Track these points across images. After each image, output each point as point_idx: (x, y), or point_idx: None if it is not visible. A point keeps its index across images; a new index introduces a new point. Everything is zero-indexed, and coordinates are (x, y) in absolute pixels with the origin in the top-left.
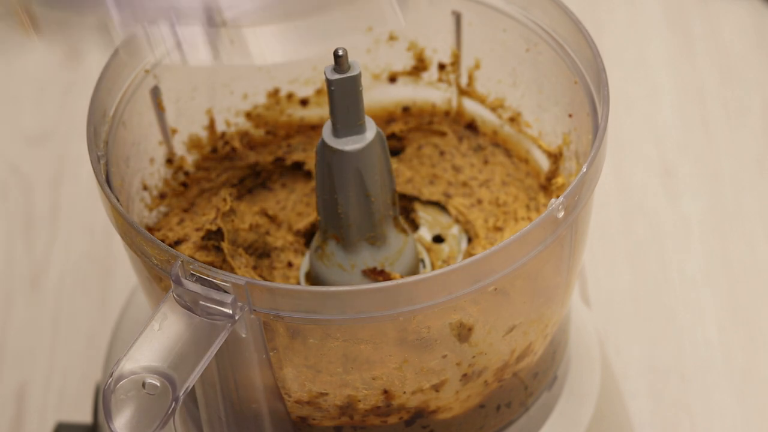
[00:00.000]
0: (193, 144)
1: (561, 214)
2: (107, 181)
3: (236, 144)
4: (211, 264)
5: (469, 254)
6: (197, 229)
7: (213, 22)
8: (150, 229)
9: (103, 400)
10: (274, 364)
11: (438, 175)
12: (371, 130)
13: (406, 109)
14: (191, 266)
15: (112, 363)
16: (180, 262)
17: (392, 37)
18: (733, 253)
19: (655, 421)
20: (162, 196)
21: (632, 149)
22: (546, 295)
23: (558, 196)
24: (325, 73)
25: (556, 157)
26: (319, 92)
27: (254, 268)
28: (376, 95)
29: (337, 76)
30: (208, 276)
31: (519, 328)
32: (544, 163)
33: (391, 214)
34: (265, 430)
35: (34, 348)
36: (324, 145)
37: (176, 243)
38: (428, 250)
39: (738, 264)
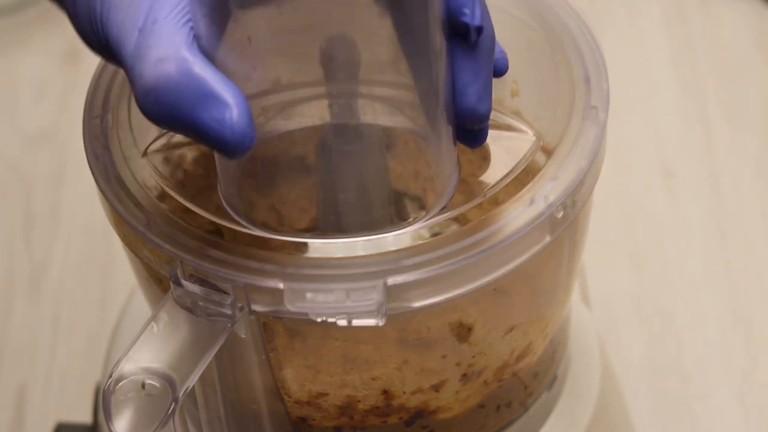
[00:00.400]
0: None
1: (560, 214)
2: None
3: None
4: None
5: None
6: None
7: None
8: None
9: (102, 401)
10: (274, 365)
11: None
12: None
13: None
14: (191, 267)
15: (112, 363)
16: (179, 263)
17: None
18: (733, 253)
19: (655, 421)
20: (162, 196)
21: (632, 149)
22: (546, 295)
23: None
24: None
25: None
26: None
27: None
28: None
29: None
30: (207, 277)
31: (519, 328)
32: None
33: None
34: (264, 430)
35: (34, 348)
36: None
37: None
38: None
39: (738, 264)
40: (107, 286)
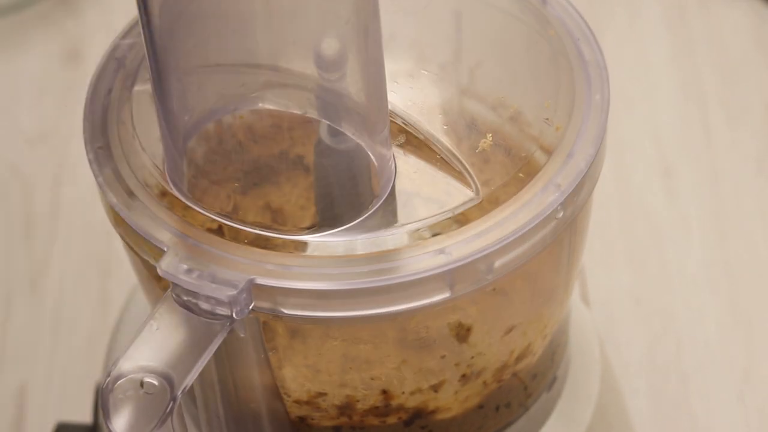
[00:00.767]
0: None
1: (560, 215)
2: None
3: (240, 137)
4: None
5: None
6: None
7: None
8: None
9: (101, 400)
10: (273, 364)
11: None
12: None
13: None
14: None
15: (112, 363)
16: (179, 261)
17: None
18: (733, 253)
19: (655, 421)
20: (163, 193)
21: (632, 149)
22: (545, 296)
23: None
24: None
25: None
26: None
27: None
28: None
29: None
30: (207, 275)
31: (518, 329)
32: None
33: None
34: (263, 429)
35: (34, 348)
36: (320, 142)
37: None
38: None
39: (738, 264)
40: (107, 286)
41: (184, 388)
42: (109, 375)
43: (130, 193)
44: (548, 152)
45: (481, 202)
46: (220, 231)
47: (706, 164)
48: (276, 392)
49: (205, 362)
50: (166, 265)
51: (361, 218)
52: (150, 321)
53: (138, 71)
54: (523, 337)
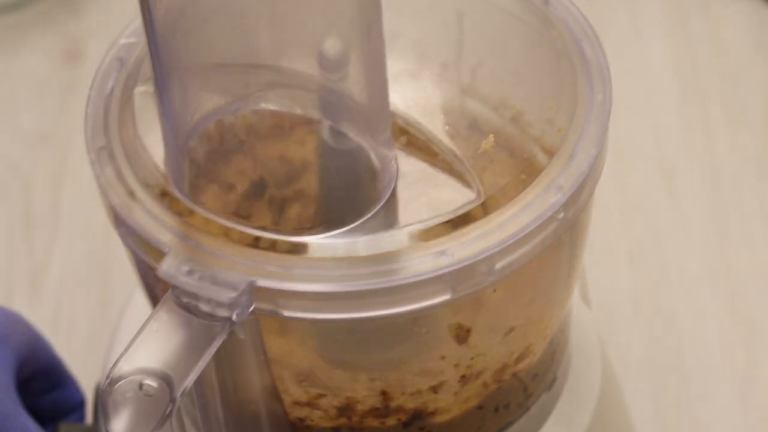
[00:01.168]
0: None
1: (562, 216)
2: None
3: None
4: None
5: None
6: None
7: None
8: None
9: (100, 401)
10: (272, 365)
11: None
12: None
13: None
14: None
15: (111, 363)
16: (179, 262)
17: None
18: (734, 253)
19: (655, 421)
20: (164, 194)
21: (632, 149)
22: (546, 297)
23: None
24: None
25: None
26: None
27: None
28: None
29: None
30: (206, 276)
31: (518, 330)
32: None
33: None
34: (263, 430)
35: None
36: (322, 143)
37: None
38: None
39: (738, 264)
40: (107, 286)
41: (184, 390)
42: (108, 376)
43: (131, 194)
44: (550, 153)
45: (482, 203)
46: (221, 232)
47: (707, 164)
48: (275, 393)
49: (205, 364)
50: (166, 267)
51: (363, 219)
52: (150, 322)
53: (140, 71)
54: (523, 337)
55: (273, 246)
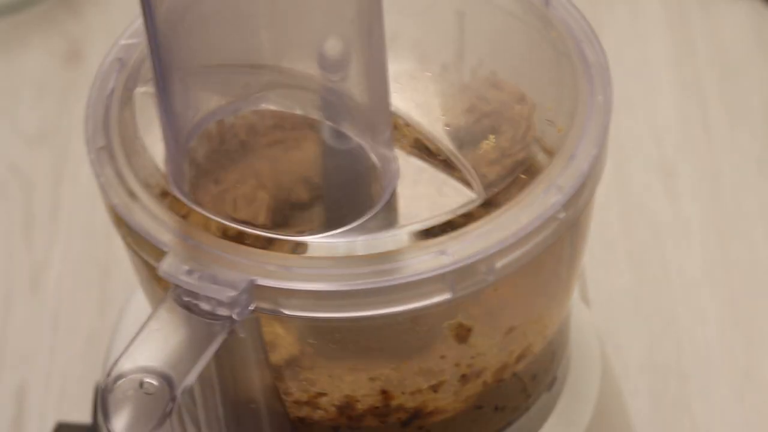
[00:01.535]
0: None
1: (562, 216)
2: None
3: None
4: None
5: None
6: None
7: None
8: None
9: (100, 400)
10: (272, 364)
11: None
12: None
13: None
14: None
15: (111, 363)
16: (179, 261)
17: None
18: (734, 253)
19: (655, 421)
20: (164, 194)
21: (632, 149)
22: (546, 296)
23: None
24: None
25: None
26: None
27: None
28: None
29: None
30: (207, 276)
31: (518, 329)
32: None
33: None
34: (263, 429)
35: (34, 348)
36: (322, 143)
37: None
38: None
39: (738, 264)
40: (107, 286)
41: (184, 389)
42: (108, 375)
43: (132, 194)
44: (550, 153)
45: (482, 203)
46: (220, 232)
47: (707, 164)
48: (275, 392)
49: (205, 363)
50: (166, 266)
51: (363, 219)
52: (150, 321)
53: (140, 72)
54: (523, 337)
55: (273, 245)
